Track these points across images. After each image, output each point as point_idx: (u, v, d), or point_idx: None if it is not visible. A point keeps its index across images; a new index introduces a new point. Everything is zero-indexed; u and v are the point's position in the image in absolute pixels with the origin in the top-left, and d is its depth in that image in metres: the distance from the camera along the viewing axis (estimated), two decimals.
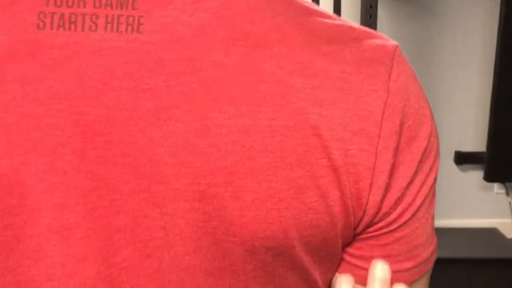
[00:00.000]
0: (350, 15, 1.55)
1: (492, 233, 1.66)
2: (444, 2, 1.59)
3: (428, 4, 1.60)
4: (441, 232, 1.78)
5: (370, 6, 1.26)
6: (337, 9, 1.44)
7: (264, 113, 0.35)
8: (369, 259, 0.41)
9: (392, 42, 0.40)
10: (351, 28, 0.39)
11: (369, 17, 1.26)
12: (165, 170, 0.35)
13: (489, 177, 1.53)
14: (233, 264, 0.38)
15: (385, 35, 0.41)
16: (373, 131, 0.37)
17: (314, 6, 0.40)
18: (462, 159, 1.69)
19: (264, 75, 0.35)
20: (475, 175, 1.70)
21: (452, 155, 1.70)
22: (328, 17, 0.40)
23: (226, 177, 0.35)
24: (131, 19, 0.35)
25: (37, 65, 0.35)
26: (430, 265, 0.44)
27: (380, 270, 0.39)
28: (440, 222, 1.72)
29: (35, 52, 0.35)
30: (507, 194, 1.71)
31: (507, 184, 1.69)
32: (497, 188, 1.71)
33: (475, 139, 1.68)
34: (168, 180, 0.36)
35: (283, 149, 0.35)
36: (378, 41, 0.39)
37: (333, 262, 0.42)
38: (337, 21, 0.39)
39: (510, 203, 1.72)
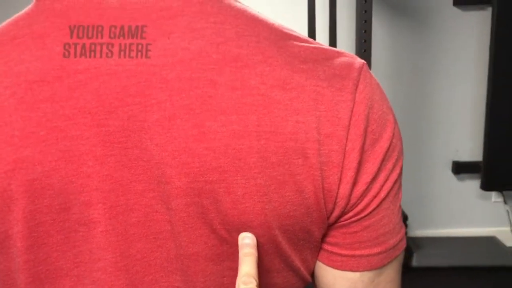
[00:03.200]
0: (346, 29, 1.59)
1: (491, 241, 1.68)
2: (438, 14, 1.63)
3: (422, 17, 1.64)
4: (440, 241, 1.80)
5: (365, 22, 1.30)
6: (332, 26, 1.48)
7: (251, 121, 0.41)
8: (342, 245, 0.47)
9: (360, 60, 0.46)
10: (323, 50, 0.46)
11: (363, 32, 1.29)
12: (168, 171, 0.42)
13: (486, 186, 1.55)
14: (228, 250, 0.44)
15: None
16: (341, 134, 0.43)
17: (292, 32, 0.46)
18: (460, 168, 1.71)
19: (250, 90, 0.42)
20: (473, 184, 1.73)
21: (449, 165, 1.73)
22: (305, 41, 0.46)
23: (220, 175, 0.42)
24: (140, 46, 0.42)
25: (64, 86, 0.41)
26: (399, 252, 0.49)
27: (245, 237, 0.43)
28: (439, 231, 1.74)
29: (61, 76, 0.42)
30: (505, 202, 1.73)
31: (504, 192, 1.72)
32: (494, 196, 1.74)
33: (472, 149, 1.71)
34: (172, 179, 0.42)
35: (266, 150, 0.42)
36: (347, 59, 0.46)
37: (312, 251, 0.48)
38: (312, 44, 0.46)
39: (508, 211, 1.74)
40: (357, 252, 0.47)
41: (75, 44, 0.42)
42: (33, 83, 0.41)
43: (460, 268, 1.55)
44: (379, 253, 0.47)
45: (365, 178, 0.44)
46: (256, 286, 0.41)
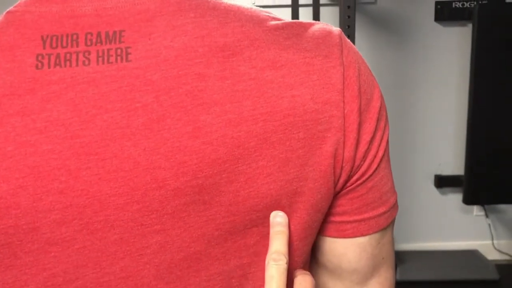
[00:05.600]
0: None
1: (473, 255, 1.69)
2: (420, 30, 1.65)
3: (404, 32, 1.66)
4: (423, 255, 1.81)
5: (348, 36, 1.31)
6: None
7: (245, 106, 0.41)
8: (351, 212, 0.48)
9: (335, 27, 0.47)
10: (299, 23, 0.46)
11: None
12: (161, 174, 0.40)
13: (468, 200, 1.56)
14: (234, 244, 0.43)
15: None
16: (338, 99, 0.43)
17: (268, 12, 0.47)
18: (442, 182, 1.73)
19: (241, 76, 0.41)
20: (455, 198, 1.74)
21: (432, 179, 1.74)
22: (280, 19, 0.46)
23: (220, 166, 0.40)
24: (119, 51, 0.40)
25: (36, 99, 0.39)
26: (396, 212, 0.51)
27: (277, 215, 0.43)
28: (422, 245, 1.75)
29: (34, 88, 0.39)
30: (487, 216, 1.75)
31: (486, 206, 1.73)
32: (476, 210, 1.75)
33: (454, 163, 1.72)
34: (166, 182, 0.40)
35: (265, 132, 0.41)
36: (323, 26, 0.47)
37: (316, 229, 0.48)
38: (287, 20, 0.46)
39: (489, 225, 1.75)
40: (366, 215, 0.48)
41: (49, 55, 0.40)
42: (3, 97, 0.39)
43: (443, 281, 1.55)
44: (384, 212, 0.49)
45: (365, 138, 0.45)
46: (286, 263, 0.40)
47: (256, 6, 1.68)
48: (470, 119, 1.50)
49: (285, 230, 0.42)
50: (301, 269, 0.47)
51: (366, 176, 0.46)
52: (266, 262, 0.41)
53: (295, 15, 1.50)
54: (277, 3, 1.63)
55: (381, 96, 0.47)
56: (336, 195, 0.47)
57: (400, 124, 1.70)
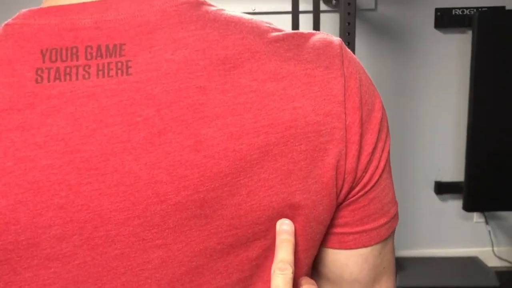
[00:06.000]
0: None
1: (473, 262, 1.69)
2: (420, 36, 1.66)
3: (404, 39, 1.66)
4: (423, 261, 1.80)
5: (348, 43, 1.31)
6: None
7: (247, 119, 0.41)
8: (352, 223, 0.48)
9: (335, 37, 0.47)
10: (301, 34, 0.46)
11: None
12: (163, 189, 0.40)
13: (468, 207, 1.56)
14: (236, 258, 0.43)
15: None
16: (339, 110, 0.43)
17: (268, 23, 0.46)
18: (442, 189, 1.72)
19: (242, 89, 0.41)
20: (455, 204, 1.74)
21: (432, 185, 1.74)
22: (281, 30, 0.46)
23: (222, 179, 0.40)
24: (119, 64, 0.40)
25: (36, 113, 0.39)
26: (396, 223, 0.51)
27: (283, 223, 0.43)
28: (421, 251, 1.75)
29: (34, 103, 0.39)
30: (487, 223, 1.75)
31: (486, 213, 1.73)
32: (476, 217, 1.75)
33: (454, 170, 1.72)
34: (168, 196, 0.40)
35: (267, 144, 0.41)
36: (323, 36, 0.46)
37: (320, 241, 0.48)
38: (288, 31, 0.46)
39: (489, 231, 1.75)
40: (368, 226, 0.48)
41: (49, 69, 0.40)
42: (2, 112, 0.39)
43: None
44: (385, 223, 0.49)
45: (367, 149, 0.45)
46: (292, 273, 0.40)
47: (256, 12, 1.68)
48: (470, 125, 1.50)
49: (291, 238, 0.42)
50: (307, 277, 0.47)
51: (368, 187, 0.46)
52: (272, 271, 0.40)
53: (295, 21, 1.51)
54: (277, 10, 1.63)
55: (382, 107, 0.47)
56: (338, 206, 0.47)
57: (400, 130, 1.70)
